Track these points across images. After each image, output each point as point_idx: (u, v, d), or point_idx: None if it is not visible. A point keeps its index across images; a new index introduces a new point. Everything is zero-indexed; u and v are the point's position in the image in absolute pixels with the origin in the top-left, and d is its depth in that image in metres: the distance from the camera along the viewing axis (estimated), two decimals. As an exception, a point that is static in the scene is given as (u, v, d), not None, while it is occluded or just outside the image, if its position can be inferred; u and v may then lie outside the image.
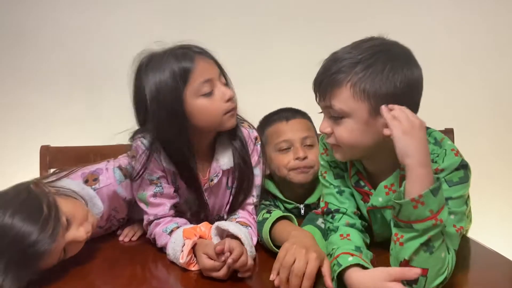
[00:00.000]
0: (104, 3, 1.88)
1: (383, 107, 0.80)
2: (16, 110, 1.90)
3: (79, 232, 0.94)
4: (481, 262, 0.96)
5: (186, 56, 1.02)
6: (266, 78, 1.83)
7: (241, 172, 1.13)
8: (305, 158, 1.17)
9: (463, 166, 0.83)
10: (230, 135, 1.13)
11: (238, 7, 1.88)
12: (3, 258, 0.82)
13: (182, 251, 0.95)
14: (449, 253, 0.79)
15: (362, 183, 0.97)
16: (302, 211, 1.22)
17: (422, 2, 1.87)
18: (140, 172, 1.06)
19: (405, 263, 0.77)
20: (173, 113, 1.01)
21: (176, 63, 1.01)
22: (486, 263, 0.95)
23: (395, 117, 0.78)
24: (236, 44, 1.78)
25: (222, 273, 0.88)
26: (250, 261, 0.90)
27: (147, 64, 1.04)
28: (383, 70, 0.81)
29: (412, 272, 0.74)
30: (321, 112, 0.92)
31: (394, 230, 0.79)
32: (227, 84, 1.09)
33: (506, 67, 1.89)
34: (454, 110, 1.87)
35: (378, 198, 0.92)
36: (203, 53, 1.06)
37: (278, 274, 0.83)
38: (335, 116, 0.87)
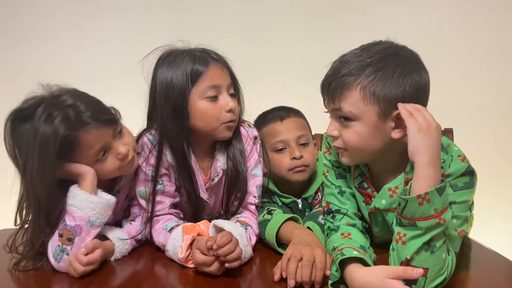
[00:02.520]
0: (105, 4, 1.89)
1: (400, 104, 0.81)
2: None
3: (121, 148, 1.00)
4: (481, 262, 0.96)
5: (202, 59, 1.05)
6: (266, 76, 1.84)
7: (231, 179, 1.13)
8: (301, 157, 1.19)
9: (469, 172, 0.83)
10: (227, 141, 1.13)
11: (238, 6, 1.88)
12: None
13: (182, 246, 0.96)
14: (449, 255, 0.79)
15: (365, 185, 0.96)
16: (300, 205, 1.24)
17: (422, 2, 1.87)
18: (153, 169, 1.08)
19: (406, 263, 0.77)
20: (176, 110, 1.04)
21: (191, 64, 1.04)
22: (486, 263, 0.94)
23: (412, 114, 0.78)
24: (236, 43, 1.78)
25: (213, 268, 0.89)
26: (237, 249, 0.89)
27: (165, 58, 1.07)
28: (393, 74, 0.81)
29: (415, 271, 0.74)
30: (327, 112, 0.92)
31: (396, 229, 0.79)
32: (236, 97, 1.11)
33: (506, 68, 1.89)
34: (453, 110, 1.86)
35: (381, 200, 0.92)
36: (220, 61, 1.08)
37: (283, 274, 0.86)
38: (343, 119, 0.86)
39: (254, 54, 1.84)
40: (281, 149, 1.21)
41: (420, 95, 0.83)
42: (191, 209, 1.14)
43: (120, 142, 1.02)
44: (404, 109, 0.80)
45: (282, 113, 1.25)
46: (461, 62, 1.89)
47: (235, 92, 1.12)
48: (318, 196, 1.24)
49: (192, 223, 1.03)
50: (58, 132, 0.91)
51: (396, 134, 0.83)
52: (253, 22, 1.89)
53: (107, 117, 1.00)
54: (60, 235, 0.96)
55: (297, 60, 1.88)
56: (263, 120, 1.26)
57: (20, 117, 0.95)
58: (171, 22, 1.85)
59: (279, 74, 1.87)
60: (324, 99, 0.90)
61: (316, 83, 0.91)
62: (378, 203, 0.93)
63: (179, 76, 1.03)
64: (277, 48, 1.89)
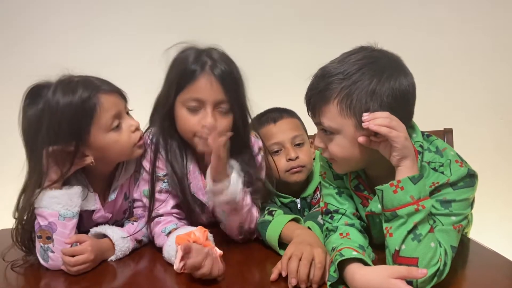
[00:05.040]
0: (109, 1, 1.89)
1: (367, 124, 0.79)
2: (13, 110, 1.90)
3: (132, 121, 1.06)
4: (481, 262, 0.96)
5: (200, 63, 1.02)
6: (266, 76, 1.83)
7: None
8: (296, 158, 1.18)
9: (470, 175, 0.84)
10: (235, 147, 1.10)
11: (238, 6, 1.88)
12: None
13: (176, 257, 0.92)
14: (440, 246, 0.79)
15: (361, 187, 0.97)
16: (299, 205, 1.24)
17: (422, 2, 1.87)
18: (152, 167, 1.09)
19: (396, 254, 0.78)
20: (166, 108, 1.05)
21: (189, 63, 1.03)
22: (486, 263, 0.94)
23: (391, 127, 0.78)
24: (235, 43, 1.77)
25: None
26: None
27: (179, 54, 1.07)
28: (369, 86, 0.81)
29: (419, 271, 0.73)
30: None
31: (384, 226, 0.82)
32: (234, 116, 1.07)
33: (506, 68, 1.89)
34: (454, 110, 1.87)
35: (377, 204, 0.91)
36: (218, 75, 1.01)
37: (283, 273, 0.86)
38: (326, 132, 0.88)
39: (255, 55, 1.83)
40: (276, 151, 1.20)
41: (401, 102, 0.83)
42: (183, 213, 1.13)
43: (130, 118, 1.07)
44: (377, 126, 0.78)
45: (275, 114, 1.24)
46: (461, 62, 1.89)
47: (231, 110, 1.05)
48: (317, 195, 1.23)
49: (186, 232, 1.01)
50: (81, 96, 0.96)
51: (362, 139, 0.82)
52: (254, 23, 1.88)
53: (117, 88, 1.05)
54: (39, 237, 0.98)
55: (297, 59, 1.88)
56: (257, 123, 1.25)
57: (35, 92, 1.01)
58: (172, 22, 1.85)
59: (279, 75, 1.87)
60: (307, 112, 0.91)
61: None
62: (374, 206, 0.92)
63: (175, 74, 1.03)
64: (277, 49, 1.89)
